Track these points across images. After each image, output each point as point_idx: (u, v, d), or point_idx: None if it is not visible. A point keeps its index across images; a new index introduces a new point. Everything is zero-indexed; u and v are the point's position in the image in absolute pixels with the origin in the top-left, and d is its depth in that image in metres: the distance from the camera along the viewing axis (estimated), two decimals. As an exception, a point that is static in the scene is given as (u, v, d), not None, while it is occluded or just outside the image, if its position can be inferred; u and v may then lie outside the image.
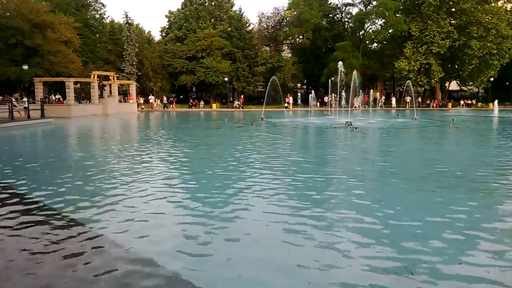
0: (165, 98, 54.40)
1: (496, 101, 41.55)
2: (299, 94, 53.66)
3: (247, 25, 64.73)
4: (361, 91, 46.09)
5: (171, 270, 4.12)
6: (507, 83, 61.73)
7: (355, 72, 34.76)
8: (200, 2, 63.87)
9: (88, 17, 62.34)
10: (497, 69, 52.75)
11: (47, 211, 6.18)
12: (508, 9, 54.29)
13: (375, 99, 44.68)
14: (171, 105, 53.06)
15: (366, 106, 44.82)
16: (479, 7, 50.39)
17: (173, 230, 5.33)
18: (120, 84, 48.17)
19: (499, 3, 53.80)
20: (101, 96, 44.36)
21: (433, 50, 50.74)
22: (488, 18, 50.31)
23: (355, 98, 46.94)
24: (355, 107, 45.53)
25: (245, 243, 4.88)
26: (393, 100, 55.57)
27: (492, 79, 55.72)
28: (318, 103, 52.61)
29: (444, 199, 6.82)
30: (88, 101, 43.56)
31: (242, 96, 57.32)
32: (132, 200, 6.77)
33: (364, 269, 4.15)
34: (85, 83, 45.22)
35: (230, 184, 7.92)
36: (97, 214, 5.94)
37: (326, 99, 42.58)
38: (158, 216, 5.92)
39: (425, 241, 4.84)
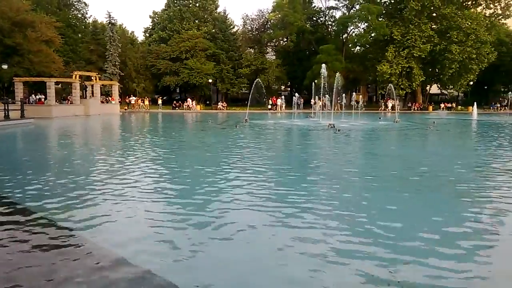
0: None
1: (475, 104, 42.50)
2: (282, 96, 54.08)
3: (231, 27, 64.79)
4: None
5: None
6: (486, 87, 63.32)
7: (338, 75, 35.07)
8: (184, 3, 63.67)
9: (70, 16, 61.48)
10: (476, 73, 53.95)
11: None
12: (487, 15, 55.58)
13: (357, 102, 45.17)
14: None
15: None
16: (459, 12, 51.44)
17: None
18: (102, 85, 47.67)
19: (478, 9, 55.09)
20: (83, 96, 43.80)
21: (414, 54, 51.54)
22: (467, 24, 51.34)
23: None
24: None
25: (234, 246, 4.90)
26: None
27: (471, 83, 56.91)
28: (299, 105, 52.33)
29: (423, 201, 6.97)
30: (69, 102, 42.95)
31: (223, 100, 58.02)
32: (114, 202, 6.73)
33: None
34: (67, 84, 44.61)
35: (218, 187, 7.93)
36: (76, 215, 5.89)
37: (312, 101, 42.97)
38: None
39: (403, 241, 4.94)
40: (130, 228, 5.46)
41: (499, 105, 57.61)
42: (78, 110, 39.15)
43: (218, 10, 66.92)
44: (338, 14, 64.25)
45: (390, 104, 47.44)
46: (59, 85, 46.77)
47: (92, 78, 44.00)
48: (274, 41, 68.13)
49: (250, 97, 40.80)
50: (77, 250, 4.67)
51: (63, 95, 48.86)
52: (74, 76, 40.38)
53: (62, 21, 53.13)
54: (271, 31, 63.36)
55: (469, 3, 54.84)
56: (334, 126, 23.41)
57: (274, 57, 67.00)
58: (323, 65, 36.32)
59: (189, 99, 56.04)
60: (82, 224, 5.50)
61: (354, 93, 58.13)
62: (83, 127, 27.20)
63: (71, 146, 15.85)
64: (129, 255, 4.49)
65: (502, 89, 68.92)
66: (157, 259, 4.39)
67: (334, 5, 64.45)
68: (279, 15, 59.75)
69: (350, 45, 61.73)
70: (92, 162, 11.12)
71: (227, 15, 64.90)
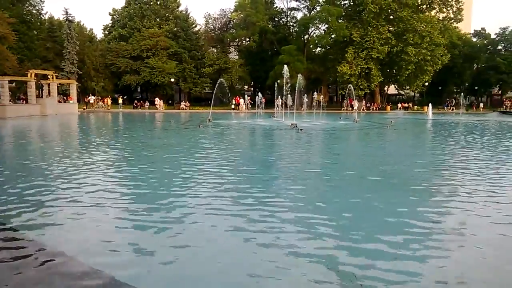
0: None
1: (430, 104, 44.35)
2: (246, 96, 54.28)
3: (193, 25, 64.33)
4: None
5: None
6: (440, 88, 66.21)
7: (299, 75, 35.61)
8: (145, 0, 62.56)
9: (25, 12, 58.88)
10: (431, 74, 56.28)
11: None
12: (440, 18, 58.10)
13: (318, 102, 45.99)
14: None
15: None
16: (414, 15, 53.45)
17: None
18: (59, 84, 46.14)
19: (432, 13, 57.49)
20: (39, 96, 42.24)
21: (373, 55, 53.03)
22: (422, 26, 53.50)
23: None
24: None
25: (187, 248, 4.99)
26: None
27: (426, 83, 59.31)
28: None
29: (378, 197, 7.30)
30: (24, 101, 41.32)
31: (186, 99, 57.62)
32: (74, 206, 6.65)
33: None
34: (22, 82, 42.88)
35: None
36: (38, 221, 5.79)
37: (277, 101, 43.39)
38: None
39: (356, 235, 5.20)
40: (85, 232, 5.43)
41: (447, 105, 60.73)
42: (33, 110, 37.73)
43: (180, 8, 66.24)
44: (299, 15, 65.27)
45: (356, 105, 48.81)
46: (13, 84, 44.86)
47: (49, 76, 42.49)
48: (236, 40, 68.23)
49: (213, 96, 40.75)
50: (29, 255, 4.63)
51: (18, 94, 46.96)
52: (29, 74, 38.85)
53: (16, 16, 50.89)
54: (234, 30, 63.43)
55: (424, 6, 57.06)
56: (296, 126, 23.80)
57: (237, 57, 67.09)
58: (285, 65, 36.76)
59: (157, 99, 54.83)
60: (36, 229, 5.42)
61: (315, 93, 59.10)
62: (39, 128, 26.24)
63: (24, 148, 15.34)
64: (86, 259, 4.49)
65: (455, 90, 72.35)
66: (116, 264, 4.42)
67: (295, 6, 65.41)
68: (242, 15, 59.89)
69: (311, 46, 62.69)
70: (47, 165, 10.81)
71: (189, 13, 64.41)
